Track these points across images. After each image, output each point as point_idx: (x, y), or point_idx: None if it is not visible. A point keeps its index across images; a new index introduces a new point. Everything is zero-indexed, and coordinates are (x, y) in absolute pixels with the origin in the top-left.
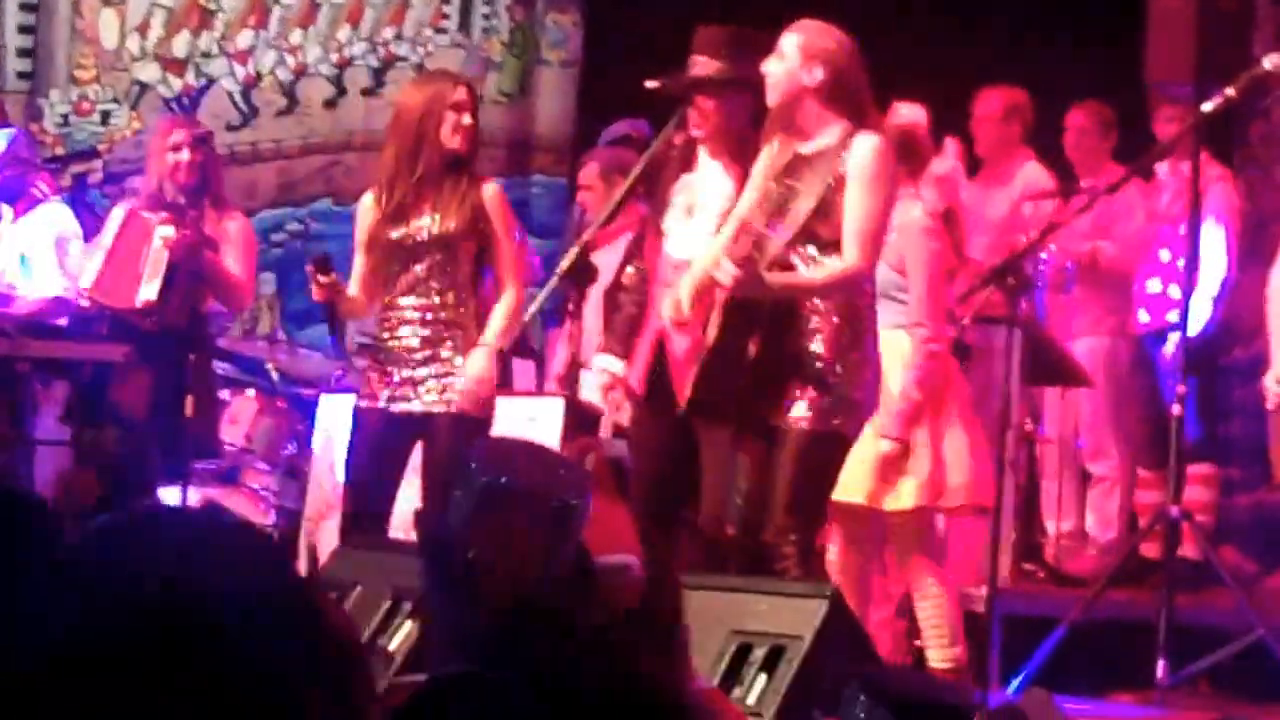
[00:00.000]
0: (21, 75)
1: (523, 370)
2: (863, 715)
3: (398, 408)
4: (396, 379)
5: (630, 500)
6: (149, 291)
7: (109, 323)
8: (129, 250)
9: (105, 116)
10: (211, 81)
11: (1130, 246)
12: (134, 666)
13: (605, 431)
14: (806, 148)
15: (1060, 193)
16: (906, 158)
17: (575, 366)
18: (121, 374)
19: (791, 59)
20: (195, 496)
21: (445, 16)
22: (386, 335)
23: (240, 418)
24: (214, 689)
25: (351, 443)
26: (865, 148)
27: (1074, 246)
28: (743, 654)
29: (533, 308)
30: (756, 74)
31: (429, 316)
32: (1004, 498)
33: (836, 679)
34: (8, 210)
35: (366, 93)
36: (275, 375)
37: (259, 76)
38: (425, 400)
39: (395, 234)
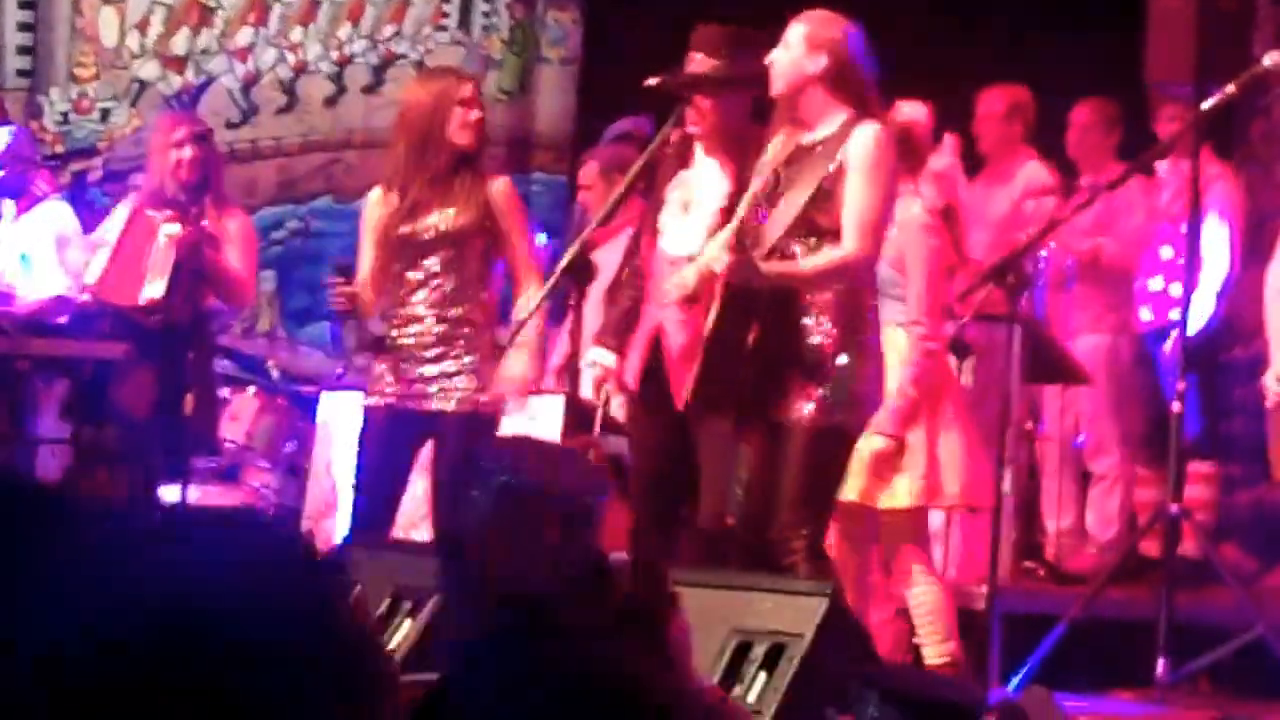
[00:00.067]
0: (21, 73)
1: None
2: (873, 713)
3: (407, 405)
4: (406, 376)
5: (630, 498)
6: (154, 290)
7: (109, 320)
8: (134, 248)
9: (105, 114)
10: (211, 79)
11: (1131, 244)
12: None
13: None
14: (809, 138)
15: (1061, 190)
16: (904, 155)
17: (575, 364)
18: (123, 373)
19: (796, 48)
20: (195, 494)
21: (445, 14)
22: (396, 332)
23: (241, 415)
24: (223, 709)
25: (360, 440)
26: (865, 136)
27: (1076, 244)
28: (743, 652)
29: (534, 305)
30: (754, 72)
31: (439, 313)
32: (1003, 496)
33: (839, 677)
34: (9, 209)
35: (367, 90)
36: (275, 373)
37: (259, 74)
38: (435, 399)
39: (405, 230)
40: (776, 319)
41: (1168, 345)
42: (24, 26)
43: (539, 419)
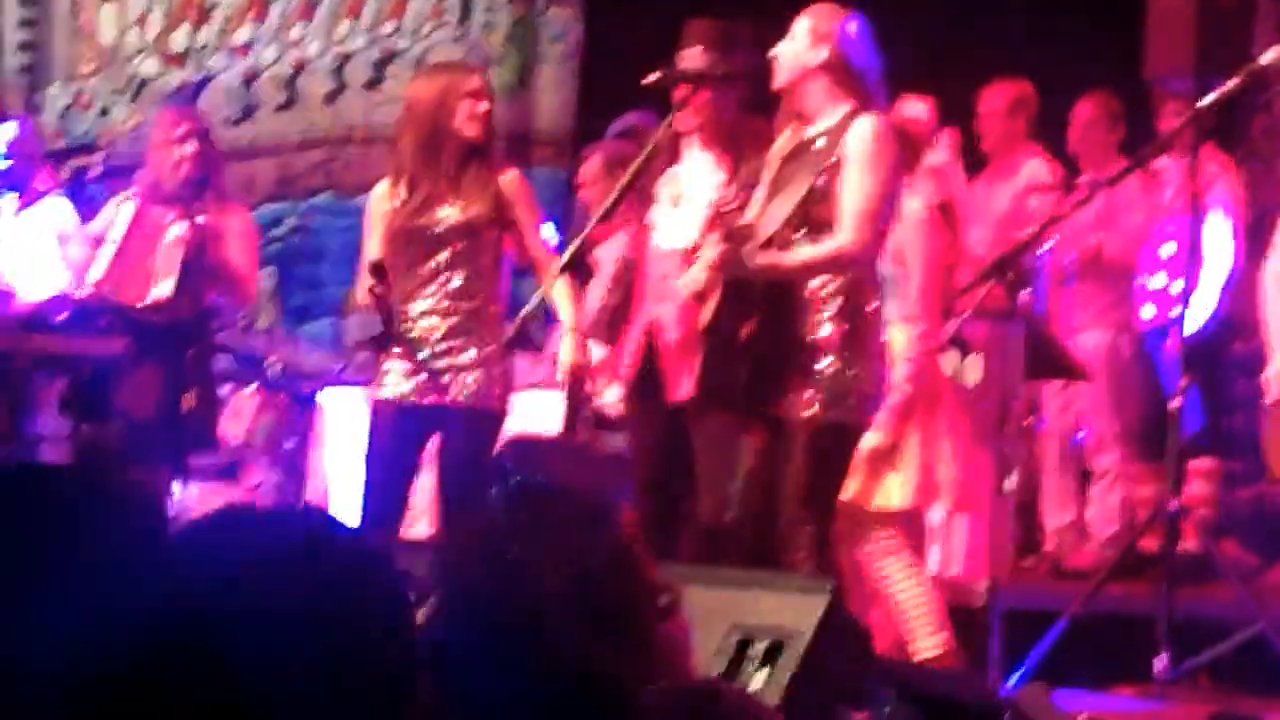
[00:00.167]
0: (21, 69)
1: (525, 363)
2: (889, 711)
3: (416, 399)
4: (416, 370)
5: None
6: (164, 289)
7: (109, 316)
8: (140, 246)
9: (105, 111)
10: (211, 76)
11: (1133, 240)
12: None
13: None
14: (811, 131)
15: (1062, 187)
16: (902, 151)
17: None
18: (127, 372)
19: (800, 40)
20: (194, 492)
21: (445, 10)
22: (407, 325)
23: (241, 413)
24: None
25: (370, 434)
26: (863, 128)
27: (1078, 240)
28: (743, 648)
29: (533, 302)
30: (747, 67)
31: (451, 306)
32: (1004, 493)
33: (839, 674)
34: (9, 203)
35: (366, 87)
36: (275, 370)
37: (259, 70)
38: (445, 393)
39: (417, 223)
40: (774, 314)
41: (1169, 342)
42: (24, 23)
43: (539, 416)
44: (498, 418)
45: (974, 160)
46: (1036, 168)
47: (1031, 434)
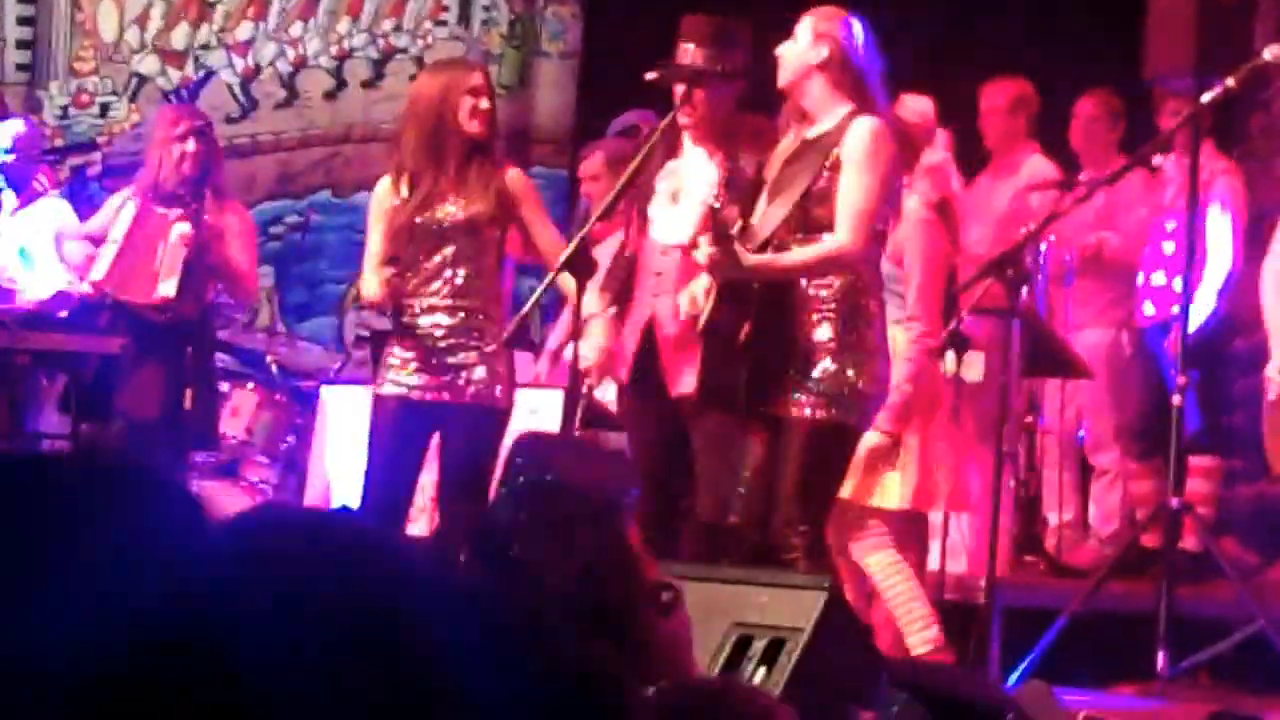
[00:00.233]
0: (20, 67)
1: (523, 362)
2: (897, 710)
3: (419, 396)
4: (419, 366)
5: None
6: (168, 288)
7: (109, 314)
8: (143, 245)
9: (104, 109)
10: (211, 73)
11: (1134, 238)
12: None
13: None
14: (812, 132)
15: (1061, 184)
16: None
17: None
18: (130, 372)
19: (802, 40)
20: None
21: (445, 9)
22: (409, 321)
23: (241, 410)
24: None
25: (371, 431)
26: (861, 129)
27: (1079, 238)
28: (743, 646)
29: (532, 300)
30: (745, 64)
31: (454, 303)
32: (1003, 489)
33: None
34: (8, 201)
35: (366, 85)
36: (274, 368)
37: (258, 68)
38: (447, 390)
39: (421, 219)
40: (772, 314)
41: (1169, 340)
42: (24, 21)
43: (540, 413)
44: (500, 415)
45: (974, 159)
46: (1037, 165)
47: (1032, 431)
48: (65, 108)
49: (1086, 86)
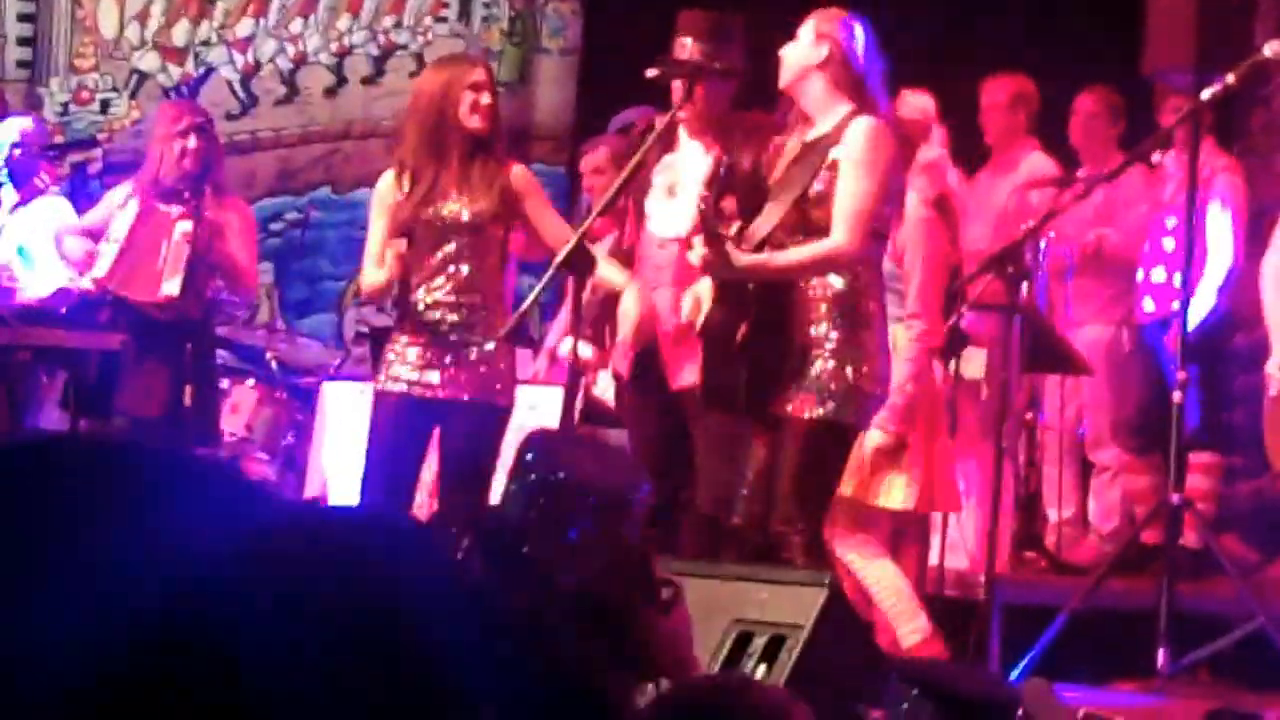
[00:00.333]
0: (21, 64)
1: (522, 359)
2: (905, 707)
3: (420, 392)
4: (420, 361)
5: None
6: (172, 287)
7: (110, 311)
8: (146, 243)
9: (105, 105)
10: (211, 70)
11: (1134, 235)
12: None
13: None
14: (812, 134)
15: (1060, 181)
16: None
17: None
18: (133, 371)
19: (804, 40)
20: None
21: (445, 5)
22: (412, 316)
23: (241, 407)
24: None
25: (372, 426)
26: (859, 130)
27: (1079, 235)
28: (743, 643)
29: (531, 296)
30: (739, 58)
31: (456, 300)
32: (1003, 486)
33: (838, 668)
34: (8, 197)
35: (366, 81)
36: (274, 364)
37: (259, 65)
38: (449, 386)
39: (424, 215)
40: (770, 314)
41: (1169, 336)
42: (24, 17)
43: (539, 409)
44: (501, 411)
45: (974, 155)
46: (1037, 162)
47: (1032, 428)
48: (66, 104)
49: (1086, 83)
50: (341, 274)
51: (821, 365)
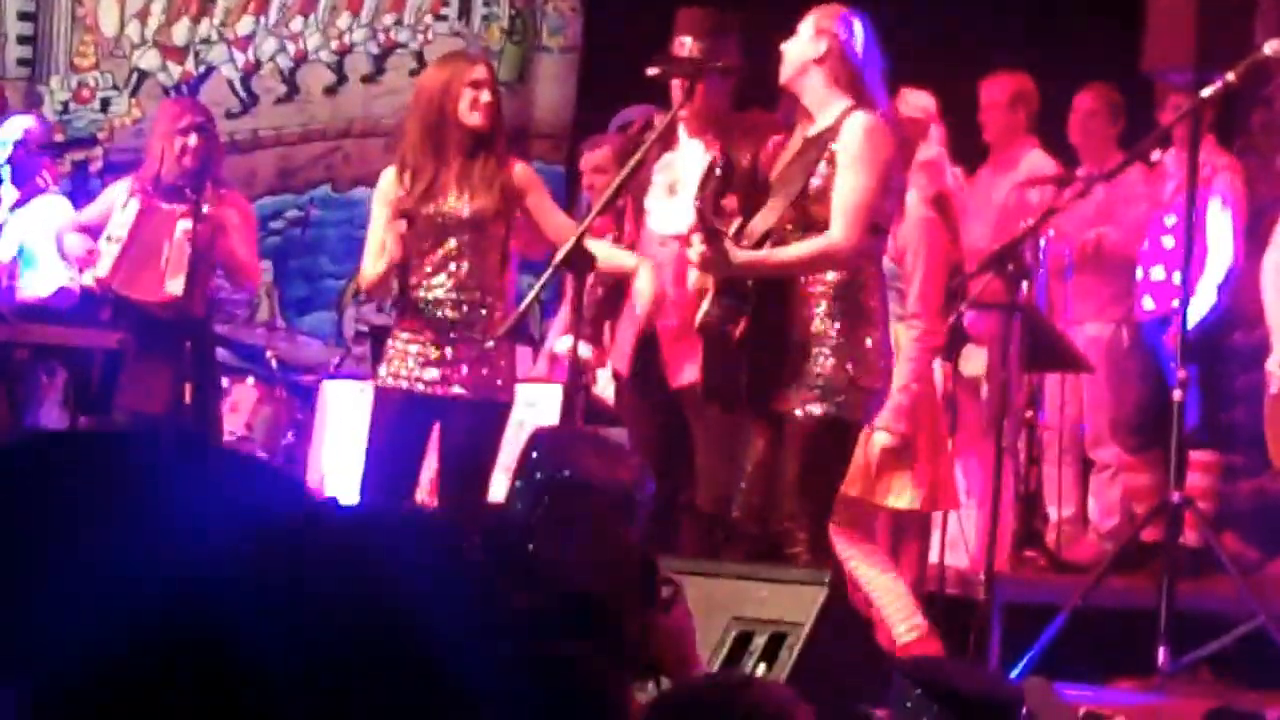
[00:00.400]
0: (21, 62)
1: (521, 356)
2: (910, 706)
3: (420, 389)
4: (420, 358)
5: None
6: (176, 287)
7: (111, 308)
8: (149, 242)
9: (105, 104)
10: (211, 69)
11: (1134, 233)
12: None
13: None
14: (812, 130)
15: (1058, 180)
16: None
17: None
18: (132, 368)
19: (803, 36)
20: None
21: (445, 3)
22: (412, 313)
23: (240, 406)
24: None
25: (372, 422)
26: (856, 125)
27: (1079, 233)
28: (743, 641)
29: (531, 294)
30: (737, 55)
31: (456, 296)
32: (1003, 485)
33: (839, 666)
34: (8, 195)
35: (366, 80)
36: (274, 363)
37: (259, 64)
38: (449, 383)
39: (425, 211)
40: (770, 310)
41: (1169, 334)
42: (25, 16)
43: (538, 407)
44: (501, 408)
45: (973, 154)
46: (1037, 161)
47: (1033, 426)
48: (66, 103)
49: (1086, 81)
50: (341, 272)
51: (822, 362)
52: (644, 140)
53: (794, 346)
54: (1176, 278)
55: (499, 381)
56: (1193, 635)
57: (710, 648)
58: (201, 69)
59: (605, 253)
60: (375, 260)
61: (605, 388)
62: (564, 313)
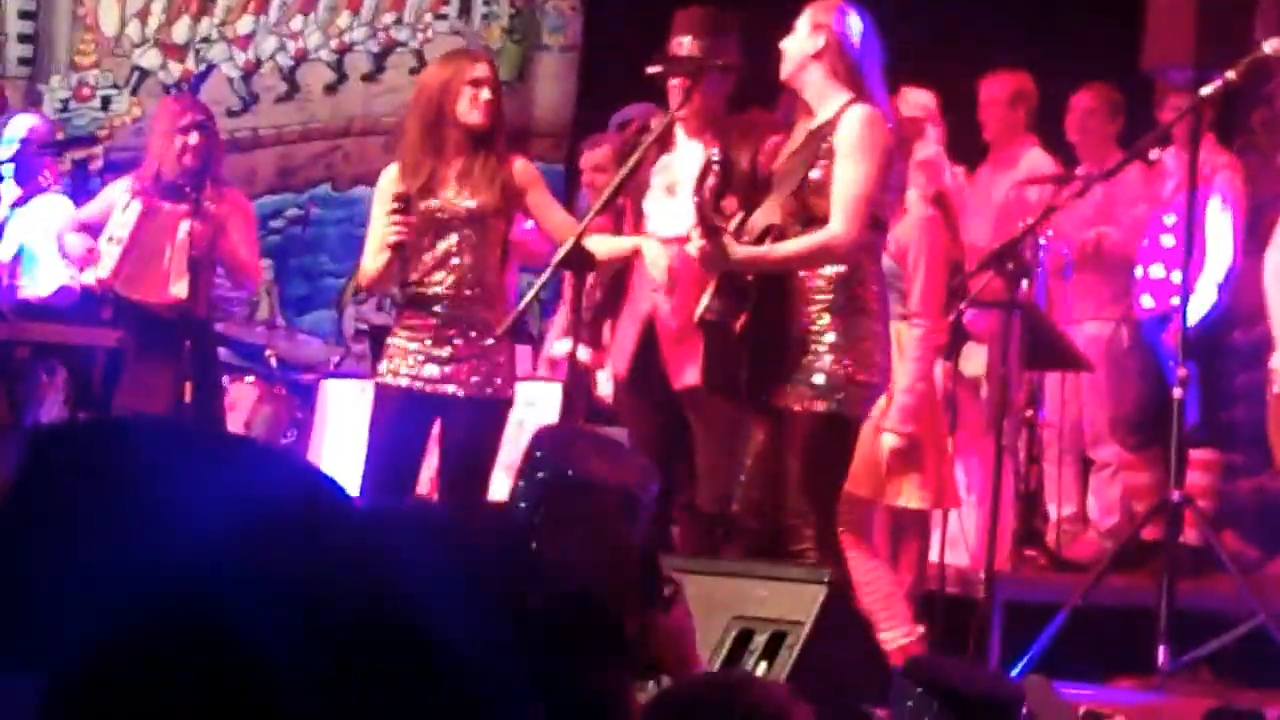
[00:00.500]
0: (22, 61)
1: (520, 356)
2: (911, 705)
3: (420, 385)
4: (420, 355)
5: None
6: (180, 290)
7: (112, 307)
8: (151, 243)
9: (105, 102)
10: (212, 67)
11: (1134, 232)
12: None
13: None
14: (813, 124)
15: (1057, 179)
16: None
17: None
18: (133, 367)
19: (801, 32)
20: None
21: (445, 2)
22: (412, 310)
23: (240, 404)
24: None
25: (372, 420)
26: (853, 119)
27: (1078, 232)
28: (744, 640)
29: (531, 292)
30: (737, 53)
31: (456, 294)
32: (1003, 483)
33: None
34: (9, 194)
35: (366, 79)
36: (274, 362)
37: (259, 62)
38: (448, 381)
39: (425, 207)
40: (770, 305)
41: (1168, 332)
42: (25, 14)
43: (538, 406)
44: (501, 406)
45: (973, 153)
46: (1036, 159)
47: (1033, 425)
48: (66, 101)
49: (1086, 79)
50: (341, 271)
51: (821, 357)
52: (640, 141)
53: (793, 342)
54: (1176, 276)
55: (499, 379)
56: (1193, 634)
57: (710, 647)
58: (202, 67)
59: (605, 247)
60: (375, 258)
61: (605, 387)
62: (562, 314)
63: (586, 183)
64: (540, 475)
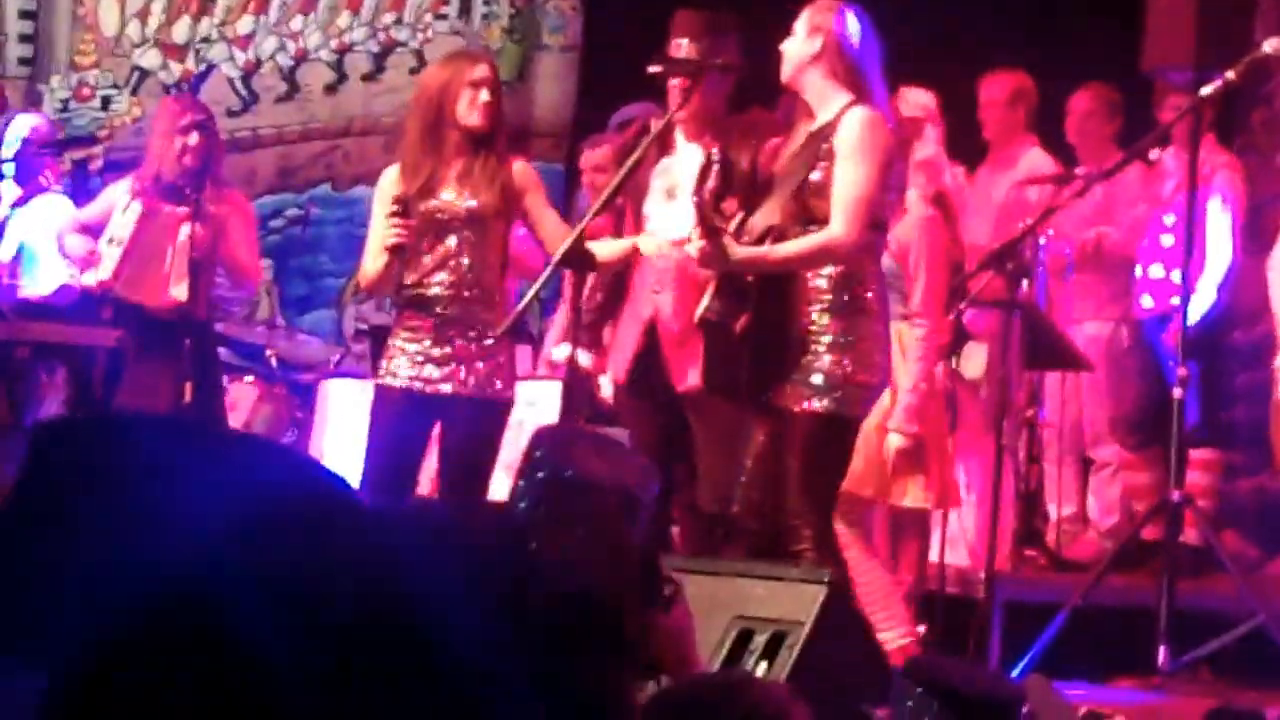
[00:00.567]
0: (22, 61)
1: (520, 356)
2: (911, 705)
3: (420, 386)
4: (420, 356)
5: None
6: (180, 292)
7: (112, 307)
8: (152, 245)
9: (105, 102)
10: (212, 67)
11: (1134, 232)
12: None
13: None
14: (814, 126)
15: (1056, 179)
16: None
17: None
18: (133, 367)
19: (800, 34)
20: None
21: (445, 2)
22: (412, 311)
23: (240, 404)
24: None
25: (372, 420)
26: (853, 120)
27: (1078, 233)
28: (744, 640)
29: (531, 292)
30: (736, 53)
31: (455, 294)
32: (1003, 483)
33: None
34: (9, 193)
35: (366, 78)
36: (274, 361)
37: (259, 62)
38: (448, 381)
39: (424, 208)
40: (770, 305)
41: (1168, 332)
42: (25, 14)
43: (538, 405)
44: (502, 406)
45: (973, 152)
46: (1035, 159)
47: (1033, 424)
48: (66, 101)
49: (1085, 80)
50: (341, 271)
51: (821, 359)
52: (640, 143)
53: (794, 342)
54: (1175, 276)
55: (499, 379)
56: (1193, 634)
57: (710, 646)
58: (202, 67)
59: (605, 250)
60: (375, 258)
61: (606, 389)
62: (562, 313)
63: (586, 183)
64: (540, 475)
